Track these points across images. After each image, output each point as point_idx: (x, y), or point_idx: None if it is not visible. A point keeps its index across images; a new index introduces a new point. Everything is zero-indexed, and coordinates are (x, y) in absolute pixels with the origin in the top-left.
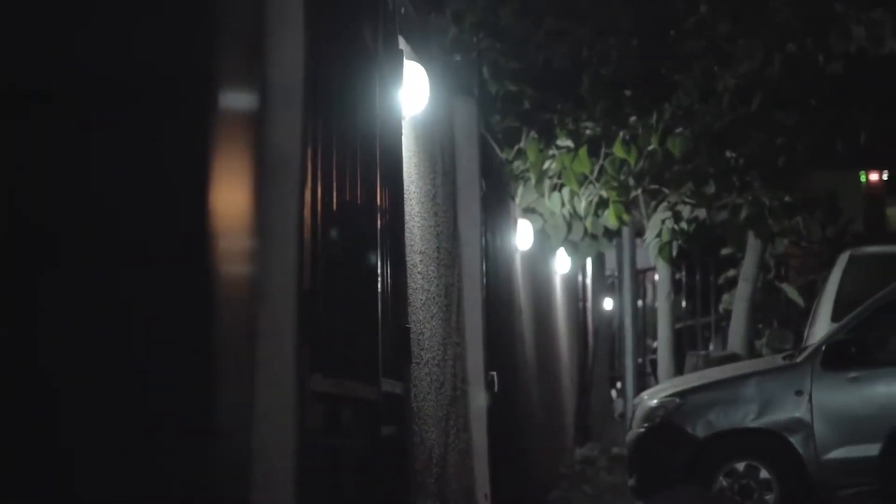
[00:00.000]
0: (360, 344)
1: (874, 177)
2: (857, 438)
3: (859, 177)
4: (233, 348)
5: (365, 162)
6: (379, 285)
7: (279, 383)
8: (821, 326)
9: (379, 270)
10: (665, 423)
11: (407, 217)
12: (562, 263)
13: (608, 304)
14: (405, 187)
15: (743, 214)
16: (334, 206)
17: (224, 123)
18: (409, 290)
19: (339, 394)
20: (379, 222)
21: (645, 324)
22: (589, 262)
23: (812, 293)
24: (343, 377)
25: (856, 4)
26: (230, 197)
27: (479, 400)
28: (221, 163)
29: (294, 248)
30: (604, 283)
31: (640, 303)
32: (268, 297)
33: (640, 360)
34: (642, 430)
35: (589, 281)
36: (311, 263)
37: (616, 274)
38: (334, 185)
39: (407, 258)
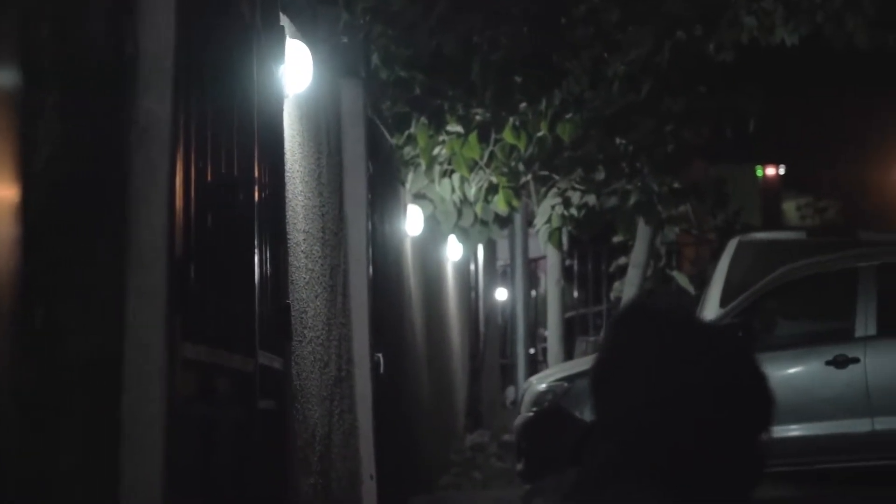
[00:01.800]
0: (236, 315)
1: (770, 171)
2: None
3: (755, 171)
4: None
5: (242, 134)
6: (256, 258)
7: (149, 350)
8: (709, 312)
9: (256, 243)
10: (553, 407)
11: (290, 195)
12: (453, 250)
13: (500, 292)
14: (288, 165)
15: (632, 200)
16: (209, 176)
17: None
18: (292, 268)
19: (213, 363)
20: (256, 196)
21: (537, 313)
22: (481, 250)
23: (703, 281)
24: (217, 347)
25: None
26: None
27: (364, 381)
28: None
29: (165, 215)
30: (495, 272)
31: (532, 292)
32: (137, 262)
33: (532, 350)
34: (530, 414)
35: (480, 269)
36: (184, 231)
37: (508, 263)
38: (209, 154)
39: (290, 236)
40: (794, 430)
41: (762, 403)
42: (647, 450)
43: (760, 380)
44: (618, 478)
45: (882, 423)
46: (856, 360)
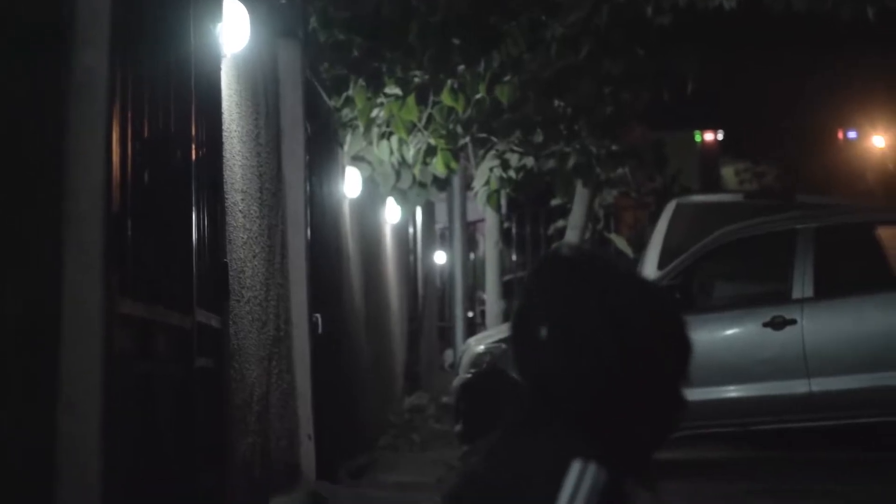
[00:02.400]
0: (174, 272)
1: (709, 136)
2: None
3: (694, 136)
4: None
5: (179, 93)
6: (194, 216)
7: (86, 306)
8: (647, 274)
9: (194, 201)
10: (491, 368)
11: (228, 155)
12: (391, 213)
13: (439, 255)
14: (226, 125)
15: (571, 163)
16: (146, 133)
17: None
18: (230, 228)
19: (151, 320)
20: (194, 154)
21: (475, 276)
22: (419, 212)
23: (641, 244)
24: (155, 303)
25: None
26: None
27: (302, 342)
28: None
29: (102, 171)
30: (434, 235)
31: (471, 255)
32: (74, 218)
33: (470, 313)
34: (468, 376)
35: (419, 232)
36: (121, 187)
37: (447, 225)
38: (146, 111)
39: (227, 196)
40: (731, 392)
41: (679, 351)
42: (565, 399)
43: (678, 327)
44: (538, 428)
45: (818, 385)
46: (793, 322)
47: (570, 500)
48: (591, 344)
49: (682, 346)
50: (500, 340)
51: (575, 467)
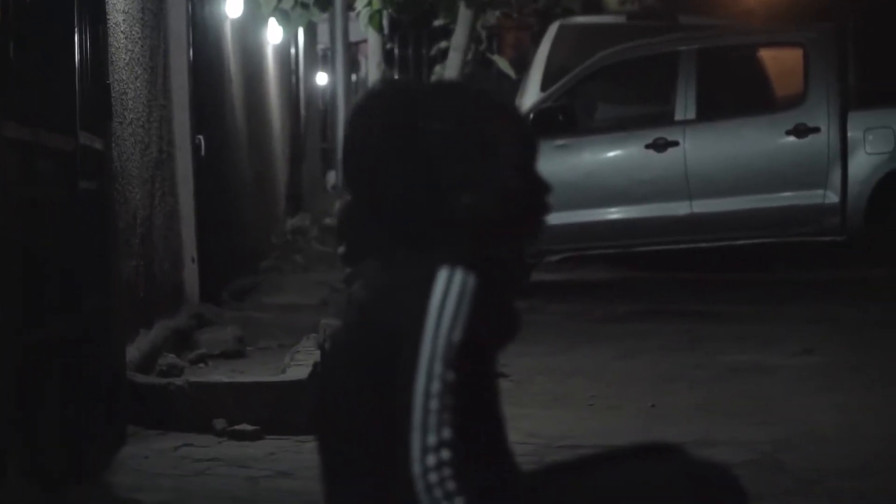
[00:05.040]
0: (56, 94)
1: None
2: (564, 205)
3: None
4: None
5: None
6: (76, 38)
7: None
8: (530, 96)
9: (76, 22)
10: None
11: None
12: (274, 34)
13: (321, 77)
14: None
15: None
16: None
17: None
18: (112, 49)
19: (34, 142)
20: None
21: (358, 97)
22: (301, 34)
23: (524, 66)
24: (38, 126)
25: None
26: None
27: (185, 163)
28: None
29: None
30: (316, 56)
31: (353, 76)
32: None
33: None
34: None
35: (301, 53)
36: (1, 9)
37: (329, 46)
38: None
39: (109, 16)
40: (614, 213)
41: (517, 151)
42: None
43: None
44: (409, 251)
45: (700, 206)
46: (675, 144)
47: (441, 304)
48: (403, 170)
49: (519, 143)
50: None
51: (442, 274)
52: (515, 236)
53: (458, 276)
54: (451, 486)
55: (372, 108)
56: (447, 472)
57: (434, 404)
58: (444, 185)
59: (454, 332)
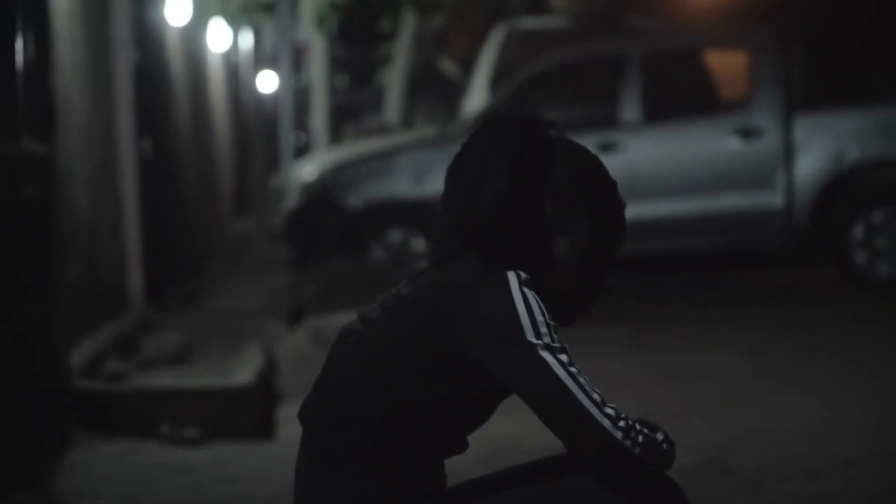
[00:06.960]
0: None
1: None
2: None
3: None
4: None
5: None
6: (18, 42)
7: None
8: (476, 99)
9: (19, 25)
10: (320, 194)
11: None
12: (219, 37)
13: (268, 80)
14: None
15: None
16: None
17: None
18: (55, 53)
19: None
20: None
21: (305, 99)
22: (248, 37)
23: (469, 68)
24: None
25: None
26: None
27: (129, 167)
28: None
29: None
30: (262, 59)
31: (299, 79)
32: None
33: (300, 136)
34: (298, 201)
35: (247, 56)
36: None
37: (275, 49)
38: None
39: (53, 21)
40: None
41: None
42: (476, 231)
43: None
44: (456, 260)
45: (643, 210)
46: (620, 146)
47: (521, 292)
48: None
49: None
50: (332, 166)
51: (511, 276)
52: (580, 284)
53: (524, 277)
54: (642, 439)
55: (498, 137)
56: (637, 430)
57: (583, 380)
58: (549, 224)
59: (543, 314)
